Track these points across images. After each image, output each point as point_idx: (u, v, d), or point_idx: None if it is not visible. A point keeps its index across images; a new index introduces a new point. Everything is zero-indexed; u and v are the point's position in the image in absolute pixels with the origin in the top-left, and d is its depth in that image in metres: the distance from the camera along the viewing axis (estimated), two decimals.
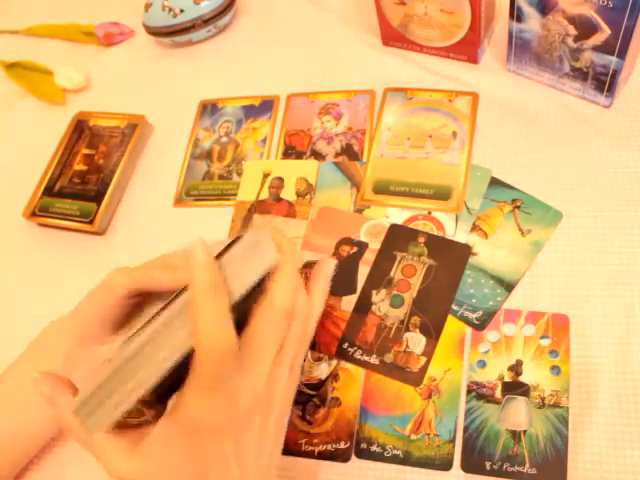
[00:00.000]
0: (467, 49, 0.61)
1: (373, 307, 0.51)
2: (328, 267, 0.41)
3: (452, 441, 0.45)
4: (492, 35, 0.63)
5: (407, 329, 0.49)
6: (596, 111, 0.56)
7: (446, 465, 0.44)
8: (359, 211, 0.56)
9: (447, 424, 0.45)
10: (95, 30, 0.76)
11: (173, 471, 0.34)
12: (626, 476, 0.42)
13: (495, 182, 0.54)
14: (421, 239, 0.53)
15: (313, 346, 0.50)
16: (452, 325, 0.49)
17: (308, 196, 0.58)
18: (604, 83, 0.53)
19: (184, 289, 0.37)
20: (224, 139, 0.65)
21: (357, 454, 0.46)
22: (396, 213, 0.55)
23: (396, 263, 0.52)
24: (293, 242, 0.38)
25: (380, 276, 0.52)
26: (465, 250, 0.52)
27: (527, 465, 0.43)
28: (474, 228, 0.53)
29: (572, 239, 0.51)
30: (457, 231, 0.53)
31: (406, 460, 0.45)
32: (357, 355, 0.49)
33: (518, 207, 0.53)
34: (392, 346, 0.49)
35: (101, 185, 0.63)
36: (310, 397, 0.48)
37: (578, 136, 0.55)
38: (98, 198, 0.62)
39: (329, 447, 0.46)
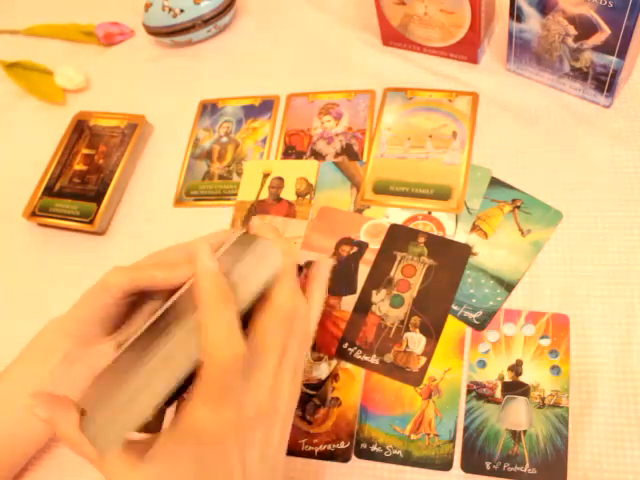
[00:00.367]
0: (467, 49, 0.61)
1: (373, 307, 0.51)
2: (325, 268, 0.40)
3: (452, 441, 0.45)
4: (492, 35, 0.63)
5: (407, 329, 0.49)
6: (596, 111, 0.56)
7: (446, 465, 0.44)
8: (359, 211, 0.56)
9: (447, 424, 0.45)
10: (95, 30, 0.76)
11: (177, 478, 0.33)
12: (626, 476, 0.42)
13: (495, 182, 0.54)
14: (421, 239, 0.53)
15: (313, 346, 0.50)
16: (452, 325, 0.49)
17: (308, 196, 0.58)
18: (604, 83, 0.53)
19: (183, 288, 0.37)
20: (224, 139, 0.65)
21: (357, 454, 0.46)
22: (396, 213, 0.55)
23: (396, 263, 0.52)
24: (292, 246, 0.37)
25: (380, 276, 0.52)
26: (465, 250, 0.52)
27: (527, 465, 0.43)
28: (474, 228, 0.53)
29: (572, 239, 0.51)
30: (457, 231, 0.53)
31: (406, 460, 0.45)
32: (357, 355, 0.49)
33: (518, 207, 0.53)
34: (392, 346, 0.49)
35: (101, 185, 0.63)
36: (310, 397, 0.48)
37: (578, 136, 0.55)
38: (98, 198, 0.62)
39: (329, 447, 0.46)
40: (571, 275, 0.49)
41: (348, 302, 0.51)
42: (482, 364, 0.47)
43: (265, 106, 0.66)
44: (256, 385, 0.34)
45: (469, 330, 0.49)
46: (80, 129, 0.68)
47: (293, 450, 0.47)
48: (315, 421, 0.47)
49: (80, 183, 0.64)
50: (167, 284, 0.39)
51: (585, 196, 0.52)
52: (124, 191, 0.64)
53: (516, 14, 0.53)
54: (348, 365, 0.49)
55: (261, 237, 0.36)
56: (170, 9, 0.69)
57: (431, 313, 0.49)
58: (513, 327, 0.48)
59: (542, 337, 0.47)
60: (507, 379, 0.46)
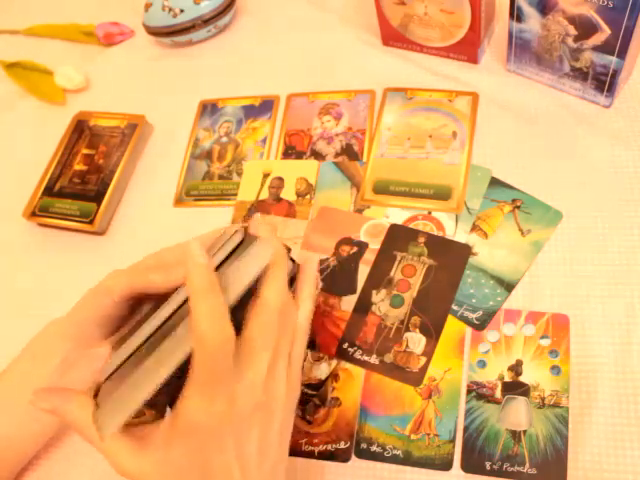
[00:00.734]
0: (467, 49, 0.61)
1: (373, 307, 0.51)
2: (312, 265, 0.41)
3: (452, 441, 0.45)
4: (492, 35, 0.63)
5: (407, 329, 0.49)
6: (596, 111, 0.56)
7: (446, 465, 0.44)
8: (359, 211, 0.56)
9: (447, 424, 0.45)
10: (95, 30, 0.76)
11: (178, 471, 0.34)
12: (626, 476, 0.42)
13: (495, 182, 0.54)
14: (421, 239, 0.53)
15: (313, 346, 0.50)
16: (452, 325, 0.49)
17: (308, 196, 0.58)
18: (604, 83, 0.53)
19: (181, 288, 0.37)
20: (224, 139, 0.65)
21: (357, 454, 0.46)
22: (396, 213, 0.55)
23: (396, 263, 0.52)
24: (282, 242, 0.38)
25: (380, 276, 0.52)
26: (465, 250, 0.52)
27: (527, 465, 0.43)
28: (474, 228, 0.53)
29: (572, 239, 0.51)
30: (457, 231, 0.53)
31: (406, 460, 0.45)
32: (357, 355, 0.49)
33: (518, 207, 0.53)
34: (392, 346, 0.49)
35: (101, 185, 0.63)
36: (310, 397, 0.48)
37: (578, 136, 0.55)
38: (98, 198, 0.62)
39: (329, 447, 0.46)
40: (571, 275, 0.49)
41: (348, 302, 0.51)
42: (482, 364, 0.47)
43: (265, 106, 0.66)
44: (250, 380, 0.34)
45: (469, 330, 0.49)
46: (80, 129, 0.68)
47: (293, 450, 0.47)
48: (315, 421, 0.47)
49: (80, 183, 0.64)
50: (164, 287, 0.39)
51: (585, 196, 0.52)
52: (124, 191, 0.64)
53: (516, 14, 0.53)
54: (348, 365, 0.49)
55: (255, 236, 0.37)
56: (170, 9, 0.69)
57: (431, 313, 0.49)
58: (513, 327, 0.48)
59: (542, 337, 0.47)
60: (507, 379, 0.46)
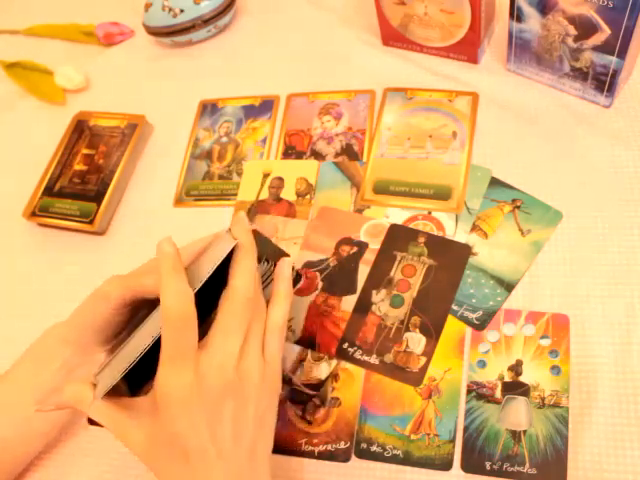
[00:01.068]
0: (467, 49, 0.61)
1: (373, 307, 0.51)
2: (286, 267, 0.42)
3: (452, 441, 0.45)
4: (492, 35, 0.63)
5: (407, 329, 0.49)
6: (596, 111, 0.56)
7: (446, 465, 0.44)
8: (359, 211, 0.56)
9: (447, 424, 0.45)
10: (95, 30, 0.76)
11: (164, 443, 0.36)
12: (626, 476, 0.42)
13: (495, 182, 0.54)
14: (421, 239, 0.53)
15: (313, 346, 0.50)
16: (452, 325, 0.49)
17: (308, 196, 0.58)
18: (604, 83, 0.53)
19: None
20: (224, 139, 0.65)
21: (357, 454, 0.46)
22: (396, 213, 0.55)
23: (396, 263, 0.52)
24: (251, 234, 0.40)
25: (380, 276, 0.52)
26: (465, 250, 0.52)
27: (527, 465, 0.43)
28: (474, 228, 0.53)
29: (572, 239, 0.51)
30: (457, 231, 0.53)
31: (406, 460, 0.45)
32: (357, 355, 0.49)
33: (518, 207, 0.53)
34: (392, 346, 0.49)
35: (101, 185, 0.63)
36: (310, 397, 0.48)
37: (578, 136, 0.55)
38: (98, 198, 0.62)
39: (329, 447, 0.46)
40: (571, 275, 0.49)
41: (348, 302, 0.51)
42: (482, 364, 0.47)
43: (265, 106, 0.66)
44: (219, 360, 0.36)
45: (469, 330, 0.49)
46: (80, 129, 0.68)
47: (293, 450, 0.47)
48: (315, 421, 0.47)
49: (80, 183, 0.63)
50: (157, 290, 0.39)
51: (585, 196, 0.52)
52: (124, 191, 0.64)
53: (516, 14, 0.53)
54: (348, 365, 0.49)
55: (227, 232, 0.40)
56: (170, 9, 0.69)
57: (431, 313, 0.49)
58: (513, 327, 0.48)
59: (542, 337, 0.47)
60: (507, 379, 0.46)
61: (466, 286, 0.50)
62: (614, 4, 0.46)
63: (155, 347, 0.36)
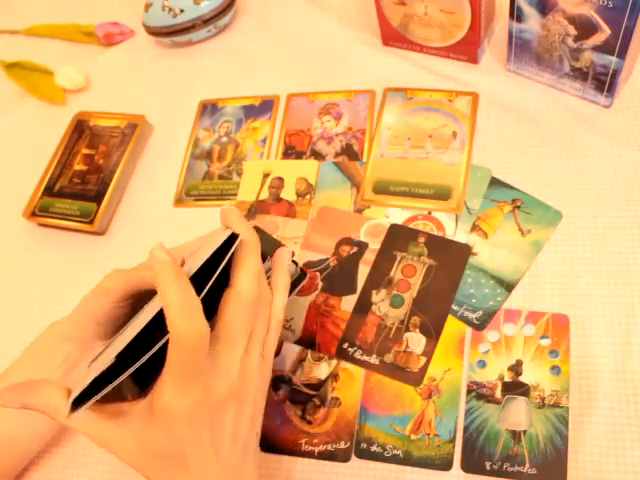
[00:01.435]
0: (467, 49, 0.61)
1: (373, 307, 0.51)
2: (284, 257, 0.41)
3: (452, 441, 0.45)
4: (492, 35, 0.63)
5: (407, 329, 0.49)
6: (596, 111, 0.56)
7: (446, 465, 0.44)
8: (359, 211, 0.56)
9: (447, 424, 0.45)
10: (95, 30, 0.76)
11: (157, 451, 0.35)
12: (626, 476, 0.42)
13: (495, 182, 0.54)
14: (421, 239, 0.53)
15: (313, 346, 0.50)
16: (452, 325, 0.49)
17: (308, 196, 0.58)
18: (604, 83, 0.53)
19: None
20: (224, 139, 0.65)
21: (357, 454, 0.46)
22: (396, 213, 0.55)
23: (396, 263, 0.52)
24: (253, 230, 0.38)
25: (380, 276, 0.52)
26: (465, 250, 0.52)
27: (527, 465, 0.43)
28: (474, 228, 0.53)
29: (572, 239, 0.51)
30: (457, 231, 0.53)
31: (406, 460, 0.45)
32: (357, 355, 0.49)
33: (518, 207, 0.53)
34: (392, 346, 0.49)
35: (101, 185, 0.63)
36: (310, 397, 0.48)
37: (578, 136, 0.55)
38: (98, 198, 0.62)
39: (329, 447, 0.46)
40: (571, 275, 0.49)
41: (348, 302, 0.51)
42: (482, 364, 0.47)
43: (265, 106, 0.66)
44: (225, 368, 0.35)
45: (469, 330, 0.49)
46: (80, 129, 0.68)
47: (293, 450, 0.47)
48: (315, 421, 0.47)
49: (80, 183, 0.63)
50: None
51: (585, 196, 0.52)
52: (124, 191, 0.64)
53: (516, 14, 0.53)
54: (348, 365, 0.49)
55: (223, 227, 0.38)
56: (170, 9, 0.69)
57: (431, 313, 0.49)
58: (513, 327, 0.48)
59: (542, 337, 0.47)
60: (507, 379, 0.46)
61: (466, 286, 0.50)
62: (614, 4, 0.46)
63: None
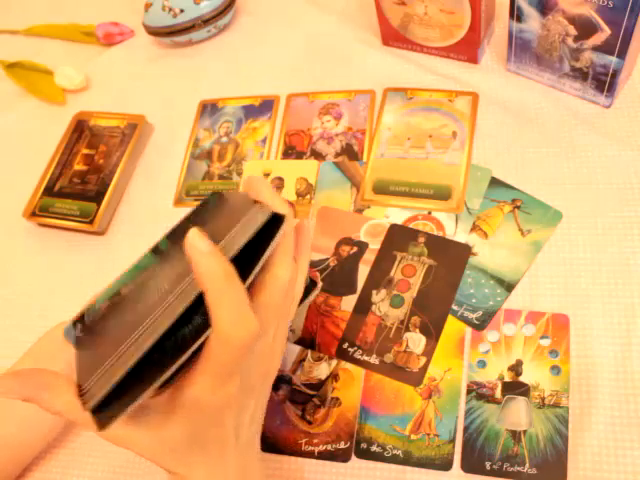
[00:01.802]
0: (467, 49, 0.61)
1: (373, 307, 0.51)
2: (309, 231, 0.39)
3: (452, 441, 0.45)
4: (492, 35, 0.63)
5: (407, 329, 0.49)
6: (596, 111, 0.56)
7: (446, 465, 0.44)
8: (359, 211, 0.56)
9: (447, 424, 0.45)
10: (95, 30, 0.76)
11: (177, 441, 0.33)
12: (626, 476, 0.42)
13: (495, 182, 0.54)
14: (421, 239, 0.53)
15: (313, 346, 0.50)
16: (452, 325, 0.49)
17: (308, 196, 0.58)
18: (604, 83, 0.53)
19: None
20: (224, 139, 0.65)
21: (357, 454, 0.46)
22: (396, 213, 0.55)
23: (396, 263, 0.52)
24: (288, 207, 0.35)
25: (380, 276, 0.52)
26: (465, 250, 0.52)
27: (527, 465, 0.43)
28: (474, 228, 0.53)
29: (572, 239, 0.51)
30: (457, 231, 0.53)
31: (406, 460, 0.45)
32: (357, 355, 0.49)
33: (518, 207, 0.53)
34: (392, 346, 0.49)
35: (101, 185, 0.63)
36: (310, 397, 0.48)
37: (578, 136, 0.55)
38: (98, 198, 0.62)
39: (329, 447, 0.46)
40: (571, 275, 0.49)
41: (348, 302, 0.51)
42: (482, 364, 0.47)
43: (265, 106, 0.66)
44: (260, 356, 0.35)
45: (469, 330, 0.49)
46: (80, 129, 0.68)
47: (293, 450, 0.47)
48: (315, 421, 0.47)
49: (80, 183, 0.64)
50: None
51: (585, 196, 0.52)
52: (124, 191, 0.64)
53: (516, 14, 0.53)
54: (348, 365, 0.49)
55: (254, 203, 0.34)
56: (170, 9, 0.69)
57: (431, 313, 0.49)
58: (513, 327, 0.48)
59: (542, 337, 0.47)
60: (507, 379, 0.46)
61: (466, 286, 0.50)
62: (614, 4, 0.46)
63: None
